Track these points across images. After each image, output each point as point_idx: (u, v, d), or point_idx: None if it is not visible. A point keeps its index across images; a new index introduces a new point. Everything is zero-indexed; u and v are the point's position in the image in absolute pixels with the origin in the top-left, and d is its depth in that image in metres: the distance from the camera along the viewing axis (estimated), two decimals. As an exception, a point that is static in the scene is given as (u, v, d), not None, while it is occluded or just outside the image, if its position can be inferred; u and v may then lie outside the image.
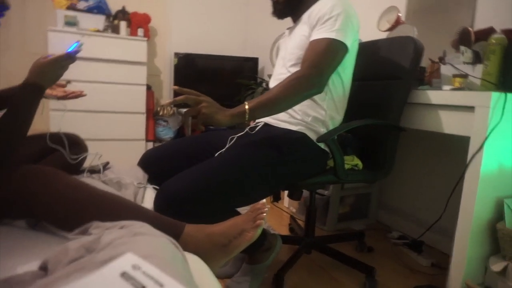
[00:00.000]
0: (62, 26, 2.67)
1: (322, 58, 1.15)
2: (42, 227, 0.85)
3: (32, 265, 0.63)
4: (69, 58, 1.00)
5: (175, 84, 3.12)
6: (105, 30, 2.84)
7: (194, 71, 3.16)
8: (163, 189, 1.03)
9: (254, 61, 3.31)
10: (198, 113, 0.99)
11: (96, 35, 2.70)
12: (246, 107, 1.04)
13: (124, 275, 0.33)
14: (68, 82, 2.80)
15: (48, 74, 0.98)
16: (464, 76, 1.37)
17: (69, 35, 2.59)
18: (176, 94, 3.11)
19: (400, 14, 1.74)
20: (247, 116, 1.04)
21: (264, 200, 0.89)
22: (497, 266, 1.23)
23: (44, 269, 0.55)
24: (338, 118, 1.33)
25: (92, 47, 2.63)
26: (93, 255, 0.46)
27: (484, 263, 1.29)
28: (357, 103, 1.45)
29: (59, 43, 2.55)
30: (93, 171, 1.18)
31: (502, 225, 1.23)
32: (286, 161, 1.18)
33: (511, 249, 1.20)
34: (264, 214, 0.85)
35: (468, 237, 1.23)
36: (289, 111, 1.29)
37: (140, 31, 2.94)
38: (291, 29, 1.40)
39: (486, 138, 1.17)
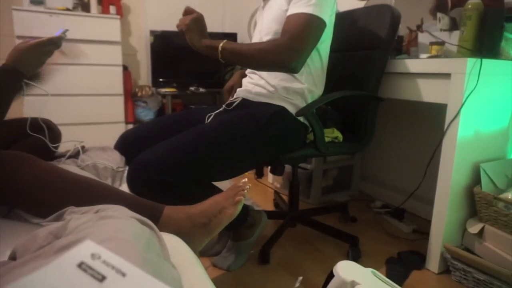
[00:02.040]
0: (28, 5, 2.53)
1: (303, 34, 1.11)
2: (16, 215, 0.83)
3: (4, 255, 0.61)
4: (53, 43, 0.94)
5: (152, 62, 3.02)
6: (74, 8, 2.71)
7: (171, 49, 3.06)
8: (136, 161, 1.00)
9: (233, 36, 3.23)
10: (183, 31, 1.13)
11: (65, 14, 2.57)
12: (221, 44, 1.10)
13: (82, 265, 0.31)
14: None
15: (28, 59, 0.92)
16: (441, 43, 1.37)
17: (35, 15, 2.46)
18: (154, 75, 3.03)
19: (377, -18, 1.71)
20: (217, 53, 1.11)
21: (245, 179, 0.88)
22: (474, 228, 1.27)
23: (14, 258, 0.53)
24: (317, 91, 1.31)
25: (62, 28, 2.51)
26: (55, 242, 0.44)
27: (462, 226, 1.33)
28: (336, 74, 1.44)
29: (25, 23, 2.42)
30: (68, 156, 1.14)
31: (478, 189, 1.26)
32: (265, 135, 1.16)
33: (487, 212, 1.23)
34: (245, 191, 0.85)
35: (447, 202, 1.26)
36: (267, 85, 1.26)
37: (112, 9, 2.82)
38: (266, 0, 1.36)
39: (462, 105, 1.18)
